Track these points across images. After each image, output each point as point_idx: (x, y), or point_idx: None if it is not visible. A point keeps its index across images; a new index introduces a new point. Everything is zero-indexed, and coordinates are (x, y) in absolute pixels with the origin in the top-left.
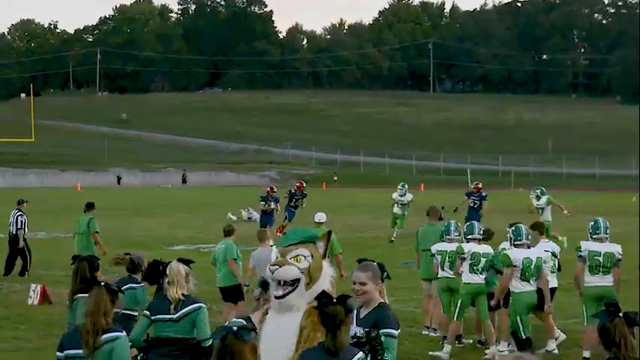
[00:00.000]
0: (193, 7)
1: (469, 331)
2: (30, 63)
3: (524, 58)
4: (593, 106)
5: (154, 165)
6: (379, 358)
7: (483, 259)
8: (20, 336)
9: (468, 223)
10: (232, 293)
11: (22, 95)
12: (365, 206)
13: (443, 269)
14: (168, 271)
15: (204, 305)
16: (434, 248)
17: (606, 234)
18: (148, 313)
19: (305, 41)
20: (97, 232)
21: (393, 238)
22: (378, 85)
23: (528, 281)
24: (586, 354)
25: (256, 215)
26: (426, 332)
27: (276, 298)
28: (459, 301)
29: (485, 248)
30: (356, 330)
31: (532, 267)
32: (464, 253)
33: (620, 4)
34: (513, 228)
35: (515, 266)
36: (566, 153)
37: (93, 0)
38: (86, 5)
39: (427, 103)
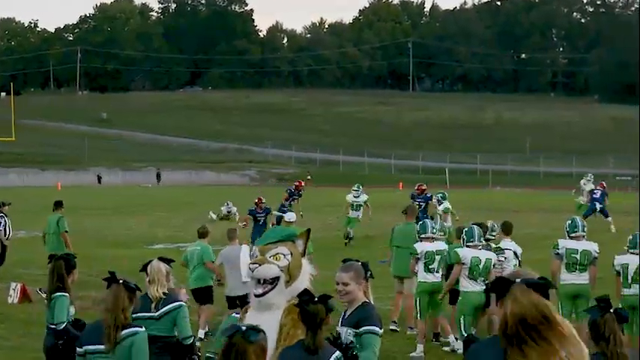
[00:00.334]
0: (174, 5)
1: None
2: (10, 62)
3: (504, 57)
4: (571, 105)
5: (135, 164)
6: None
7: (437, 257)
8: (0, 335)
9: (420, 222)
10: (204, 295)
11: (2, 94)
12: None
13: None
14: (149, 270)
15: (184, 304)
16: (420, 249)
17: (583, 232)
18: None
19: (285, 40)
20: (67, 232)
21: (347, 240)
22: (358, 84)
23: (476, 280)
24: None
25: (235, 210)
26: (394, 327)
27: (256, 296)
28: (417, 300)
29: (439, 245)
30: (339, 330)
31: (480, 267)
32: (417, 254)
33: (598, 3)
34: (467, 229)
35: (463, 264)
36: (544, 152)
37: None
38: (67, 4)
39: (407, 102)
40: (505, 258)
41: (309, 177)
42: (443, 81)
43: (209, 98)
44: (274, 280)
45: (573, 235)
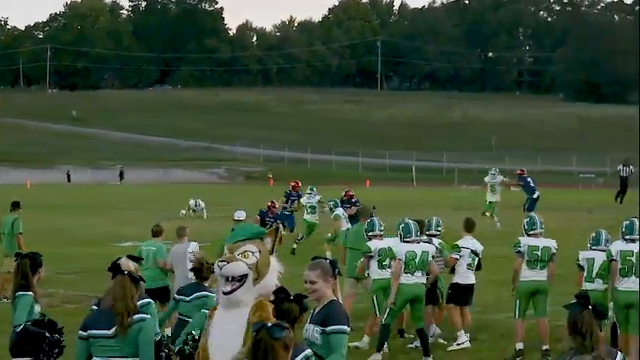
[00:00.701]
0: (144, 4)
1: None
2: None
3: (471, 55)
4: (537, 104)
5: (104, 162)
6: None
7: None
8: None
9: (368, 221)
10: (162, 294)
11: None
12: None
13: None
14: None
15: (152, 301)
16: (373, 247)
17: (542, 229)
18: (96, 308)
19: (255, 39)
20: (21, 233)
21: (296, 243)
22: (327, 83)
23: (412, 274)
24: (519, 345)
25: (203, 205)
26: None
27: (224, 294)
28: (374, 297)
29: (390, 242)
30: (307, 327)
31: (416, 260)
32: (371, 252)
33: (565, 2)
34: (403, 224)
35: (399, 259)
36: (510, 150)
37: None
38: (37, 2)
39: (375, 101)
40: (461, 256)
41: (270, 176)
42: (411, 79)
43: (178, 96)
44: (242, 278)
45: (532, 232)
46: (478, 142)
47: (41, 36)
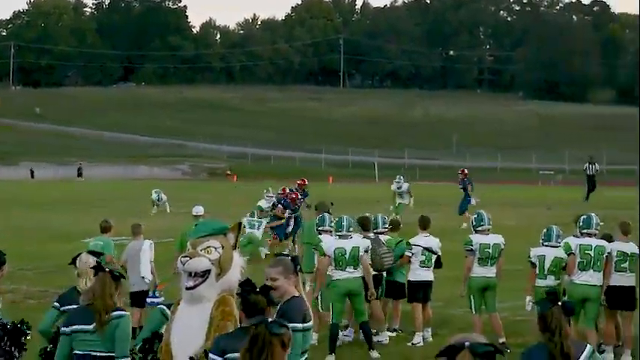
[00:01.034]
0: (107, 1)
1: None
2: None
3: (432, 54)
4: (496, 102)
5: (68, 159)
6: None
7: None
8: None
9: (320, 216)
10: None
11: None
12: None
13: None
14: (77, 263)
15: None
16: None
17: (489, 225)
18: (57, 304)
19: (218, 36)
20: None
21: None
22: (290, 80)
23: (343, 269)
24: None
25: (165, 198)
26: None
27: (187, 289)
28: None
29: (325, 238)
30: None
31: (346, 256)
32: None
33: (524, 2)
34: (337, 220)
35: (328, 256)
36: (471, 147)
37: None
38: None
39: (337, 98)
40: (413, 254)
41: (228, 172)
42: (373, 77)
43: (142, 94)
44: (205, 273)
45: (480, 228)
46: (439, 140)
47: (4, 33)
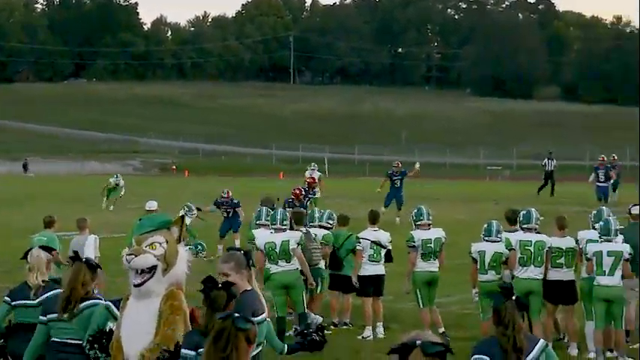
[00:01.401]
0: None
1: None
2: None
3: (381, 51)
4: (444, 98)
5: (19, 154)
6: None
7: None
8: None
9: (258, 210)
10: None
11: None
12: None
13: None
14: (29, 258)
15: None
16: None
17: (429, 220)
18: (8, 299)
19: (169, 33)
20: None
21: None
22: (240, 77)
23: (276, 263)
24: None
25: (122, 182)
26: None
27: (135, 286)
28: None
29: (256, 232)
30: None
31: (277, 250)
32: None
33: (471, 0)
34: (271, 214)
35: (261, 250)
36: (419, 143)
37: None
38: None
39: (287, 95)
40: (361, 248)
41: (174, 167)
42: (322, 74)
43: (93, 90)
44: (151, 269)
45: (420, 222)
46: (388, 135)
47: None
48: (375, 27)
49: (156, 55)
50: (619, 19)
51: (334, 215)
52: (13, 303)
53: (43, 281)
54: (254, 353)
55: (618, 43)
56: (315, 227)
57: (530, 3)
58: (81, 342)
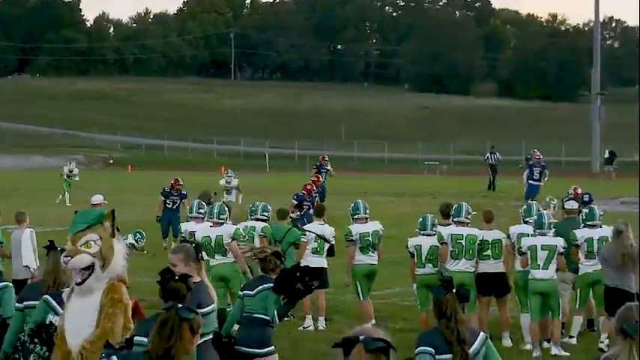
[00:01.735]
0: None
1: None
2: None
3: (321, 48)
4: (382, 94)
5: None
6: None
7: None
8: None
9: (191, 203)
10: None
11: None
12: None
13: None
14: None
15: (11, 284)
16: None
17: (366, 214)
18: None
19: (112, 29)
20: None
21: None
22: (182, 73)
23: (212, 257)
24: (372, 322)
25: (76, 170)
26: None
27: (77, 284)
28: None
29: (190, 225)
30: None
31: (212, 244)
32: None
33: None
34: (209, 208)
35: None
36: (358, 138)
37: None
38: None
39: (228, 90)
40: (306, 240)
41: (111, 161)
42: (263, 70)
43: (37, 85)
44: (89, 268)
45: (357, 216)
46: (328, 131)
47: None
48: (314, 24)
49: (98, 52)
50: (554, 17)
51: (269, 207)
52: None
53: None
54: (199, 342)
55: (553, 41)
56: (252, 220)
57: (467, 1)
58: None
